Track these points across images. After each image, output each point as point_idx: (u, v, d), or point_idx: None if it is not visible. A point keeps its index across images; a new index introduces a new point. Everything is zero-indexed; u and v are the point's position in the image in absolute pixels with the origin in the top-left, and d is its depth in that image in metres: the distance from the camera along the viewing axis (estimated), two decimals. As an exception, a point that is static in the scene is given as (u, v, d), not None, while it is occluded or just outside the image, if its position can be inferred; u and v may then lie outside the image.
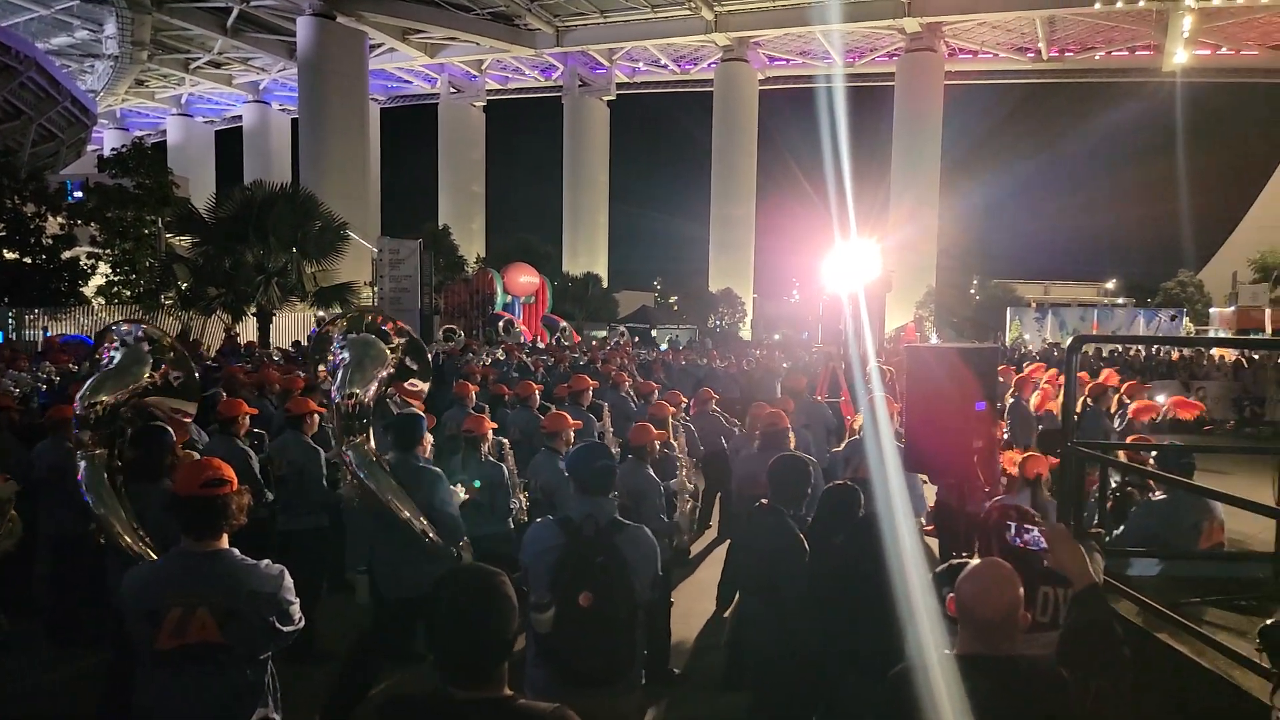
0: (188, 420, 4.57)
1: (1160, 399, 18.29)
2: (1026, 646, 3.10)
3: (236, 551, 2.81)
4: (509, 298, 25.49)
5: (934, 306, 43.37)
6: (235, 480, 2.84)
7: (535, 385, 7.31)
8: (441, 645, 1.85)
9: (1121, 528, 4.55)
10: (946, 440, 4.00)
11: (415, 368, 4.54)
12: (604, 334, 28.68)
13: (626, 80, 60.34)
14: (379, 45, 50.55)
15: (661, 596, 5.26)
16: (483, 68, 59.92)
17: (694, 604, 6.62)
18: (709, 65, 56.42)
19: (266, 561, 2.82)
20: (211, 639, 2.61)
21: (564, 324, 26.40)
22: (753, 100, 55.06)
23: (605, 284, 46.24)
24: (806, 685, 3.58)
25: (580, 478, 3.18)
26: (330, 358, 4.49)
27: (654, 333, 33.02)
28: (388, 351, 4.44)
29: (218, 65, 55.36)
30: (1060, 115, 76.19)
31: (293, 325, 21.44)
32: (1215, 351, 24.29)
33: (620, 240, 63.33)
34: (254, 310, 18.71)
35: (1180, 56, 55.81)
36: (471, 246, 49.20)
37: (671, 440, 5.91)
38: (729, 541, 5.69)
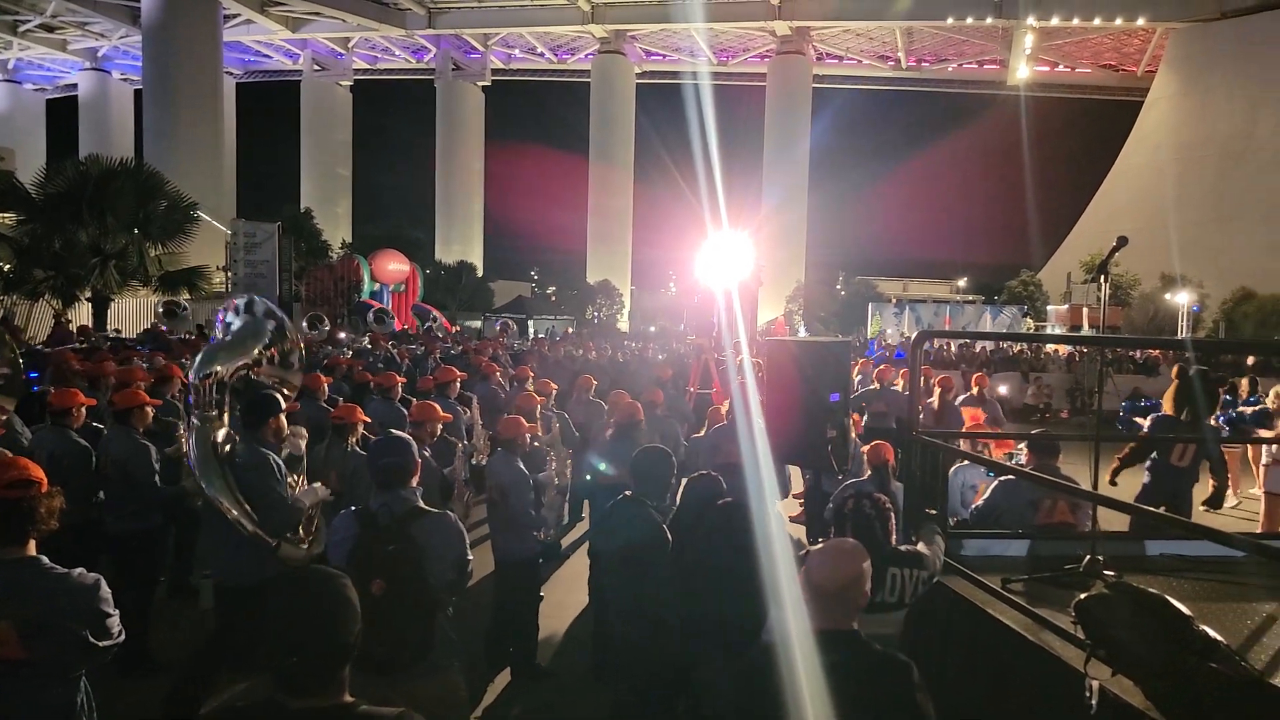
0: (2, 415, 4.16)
1: (1003, 389, 19.72)
2: (875, 627, 3.27)
3: (45, 559, 2.58)
4: (377, 285, 24.57)
5: (803, 301, 45.09)
6: (44, 481, 2.58)
7: (399, 377, 7.05)
8: (275, 652, 1.73)
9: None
10: (803, 428, 4.14)
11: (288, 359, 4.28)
12: (479, 324, 28.14)
13: (502, 66, 59.37)
14: (234, 15, 47.52)
15: (527, 592, 5.19)
16: (350, 46, 57.41)
17: (566, 596, 6.58)
18: (586, 56, 56.38)
19: (80, 570, 2.60)
20: (12, 655, 2.38)
21: (436, 314, 25.68)
22: (629, 93, 55.49)
23: (480, 273, 45.39)
24: (671, 675, 3.61)
25: (372, 473, 3.23)
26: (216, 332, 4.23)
27: (531, 324, 32.69)
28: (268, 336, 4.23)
29: (50, 29, 50.47)
30: (918, 122, 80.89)
31: (135, 311, 19.85)
32: (1053, 345, 26.45)
33: (497, 229, 62.33)
34: (89, 295, 17.18)
35: (1023, 72, 60.55)
36: (337, 232, 47.10)
37: (540, 432, 5.84)
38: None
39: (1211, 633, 2.40)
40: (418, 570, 2.96)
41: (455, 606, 3.23)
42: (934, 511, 3.98)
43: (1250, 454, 9.56)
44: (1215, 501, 6.18)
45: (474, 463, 6.15)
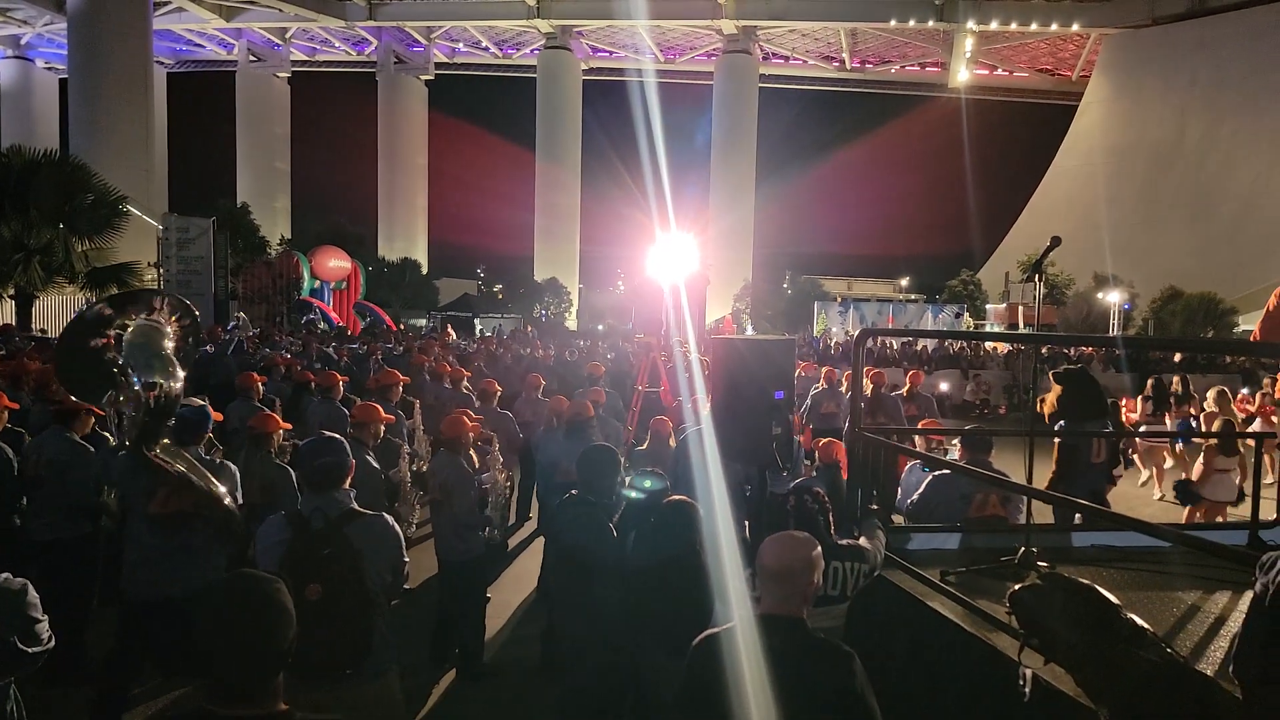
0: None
1: (944, 386, 20.17)
2: (819, 620, 3.31)
3: None
4: (317, 283, 24.02)
5: (750, 300, 45.53)
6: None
7: (340, 376, 6.89)
8: (206, 660, 1.67)
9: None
10: (748, 426, 4.16)
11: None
12: (424, 322, 27.71)
13: (446, 60, 58.57)
14: (165, 3, 46.02)
15: (472, 591, 5.14)
16: (287, 37, 56.02)
17: (513, 596, 6.54)
18: (531, 51, 55.99)
19: (6, 575, 2.51)
20: None
21: (379, 312, 25.24)
22: (576, 89, 55.28)
23: (425, 270, 44.73)
24: (619, 670, 3.60)
25: (303, 475, 3.17)
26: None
27: (477, 322, 32.34)
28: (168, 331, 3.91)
29: (-32, 16, 48.17)
30: (863, 123, 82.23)
31: (61, 309, 19.06)
32: (991, 343, 27.18)
33: (442, 226, 61.45)
34: (11, 292, 16.44)
35: (963, 75, 62.22)
36: (275, 228, 45.99)
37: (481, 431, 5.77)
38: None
39: (1138, 620, 2.48)
40: (354, 573, 2.91)
41: (398, 609, 3.18)
42: (876, 506, 4.06)
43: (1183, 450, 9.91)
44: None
45: (415, 469, 6.03)
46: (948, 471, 4.79)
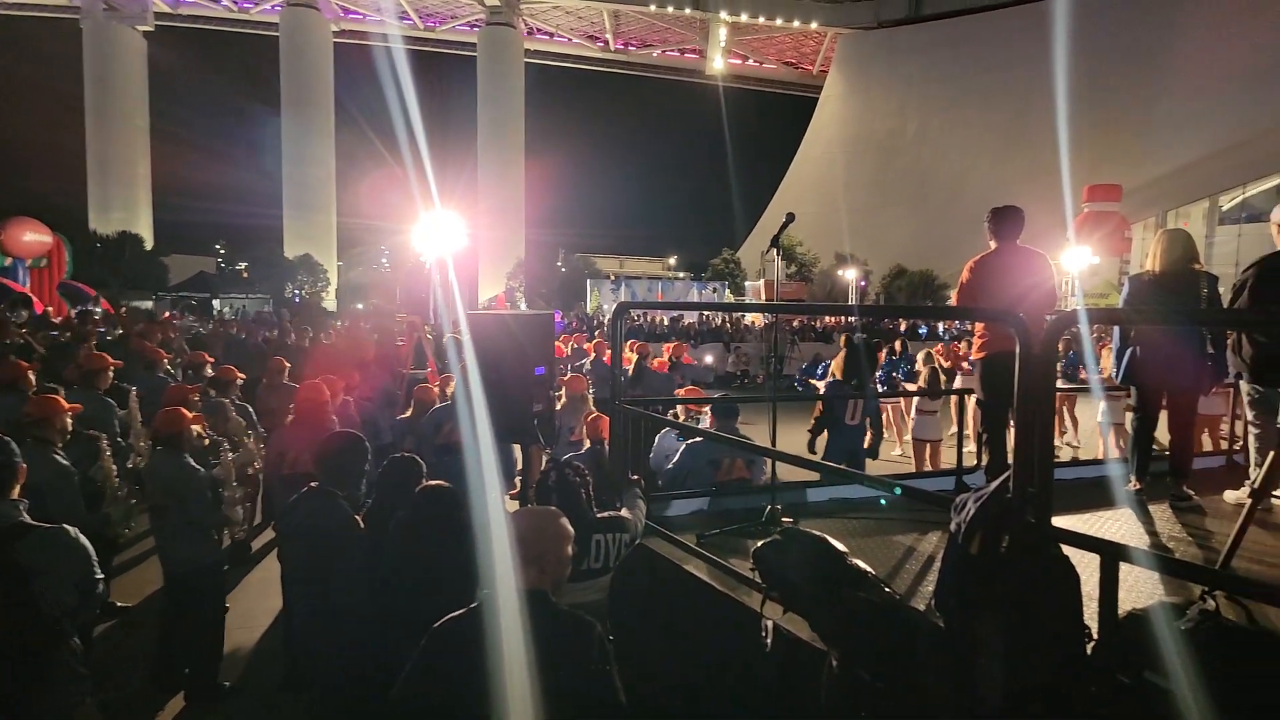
0: None
1: (709, 359, 21.28)
2: (584, 593, 3.30)
3: None
4: (9, 261, 20.47)
5: (524, 278, 45.25)
6: None
7: (27, 364, 5.85)
8: None
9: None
10: (510, 403, 4.05)
11: None
12: (150, 304, 24.59)
13: (169, 11, 51.93)
14: None
15: (207, 602, 4.60)
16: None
17: (259, 603, 5.96)
18: (274, 7, 51.23)
19: None
20: None
21: (90, 293, 21.97)
22: (326, 52, 51.36)
23: (150, 245, 39.56)
24: (369, 673, 3.36)
25: None
26: None
27: (217, 303, 29.27)
28: None
29: None
30: (631, 105, 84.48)
31: None
32: (750, 317, 29.08)
33: (171, 195, 54.50)
34: None
35: (718, 63, 65.75)
36: (-44, 195, 38.54)
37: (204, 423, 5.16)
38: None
39: (862, 565, 2.69)
40: (20, 597, 2.50)
41: (109, 632, 2.74)
42: (636, 476, 4.12)
43: (903, 406, 11.22)
44: (873, 452, 7.17)
45: (130, 465, 5.28)
46: (700, 440, 4.99)
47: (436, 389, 6.68)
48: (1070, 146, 35.77)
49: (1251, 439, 4.50)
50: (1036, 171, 42.63)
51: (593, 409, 6.35)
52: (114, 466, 4.70)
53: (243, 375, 7.03)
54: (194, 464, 4.42)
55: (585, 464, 4.47)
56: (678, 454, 5.04)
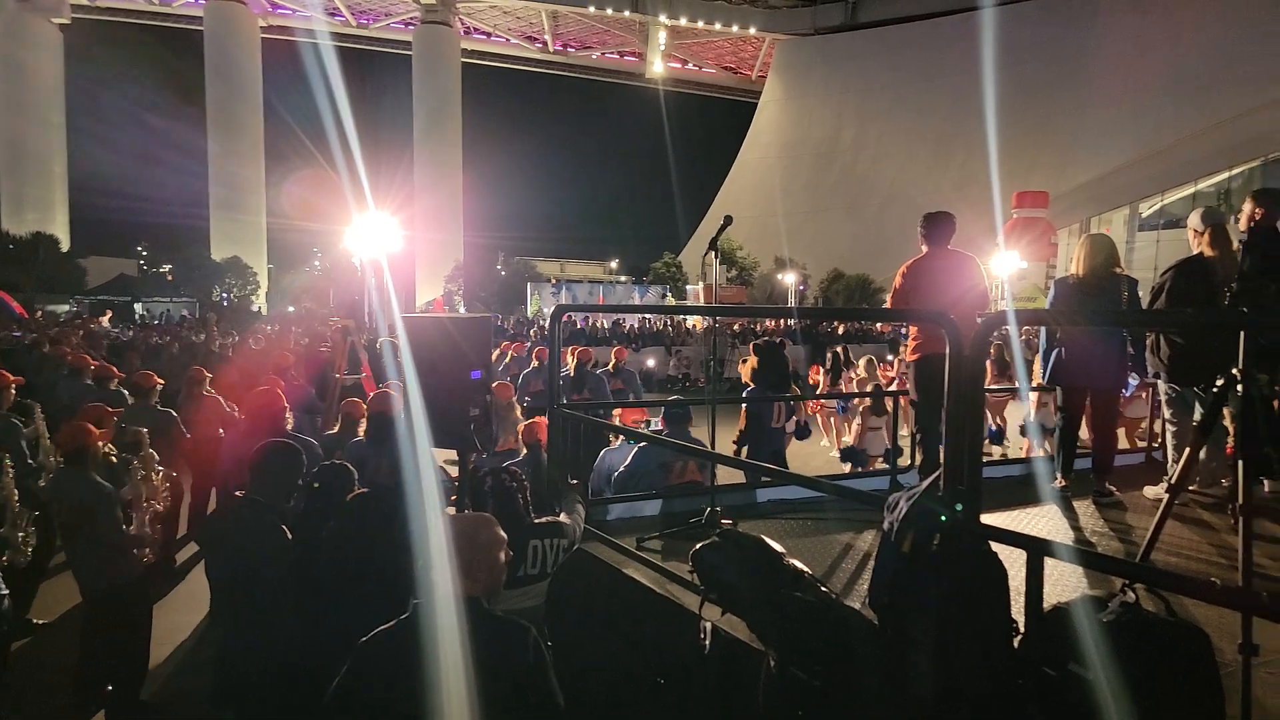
0: None
1: (650, 362, 21.30)
2: (521, 600, 3.25)
3: None
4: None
5: (463, 282, 44.72)
6: None
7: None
8: None
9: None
10: (445, 409, 3.97)
11: None
12: (66, 308, 23.47)
13: (86, 3, 49.80)
14: None
15: (129, 620, 4.39)
16: None
17: (183, 618, 5.73)
18: (197, 1, 49.61)
19: None
20: None
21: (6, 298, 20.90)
22: (253, 47, 49.92)
23: (66, 246, 37.79)
24: (297, 692, 3.24)
25: None
26: None
27: (139, 306, 28.11)
28: None
29: None
30: (571, 107, 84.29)
31: None
32: (692, 321, 29.22)
33: (90, 194, 52.14)
34: None
35: (658, 66, 66.08)
36: None
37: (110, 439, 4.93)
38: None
39: (799, 565, 2.71)
40: None
41: (24, 651, 2.59)
42: (575, 480, 4.08)
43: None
44: (803, 432, 7.33)
45: (41, 483, 5.00)
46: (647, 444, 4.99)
47: (365, 404, 6.50)
48: (1000, 154, 36.99)
49: (1169, 436, 4.71)
50: (969, 178, 44.06)
51: (519, 415, 6.28)
52: (14, 489, 4.44)
53: (162, 380, 6.73)
54: (100, 481, 4.21)
55: (524, 469, 4.43)
56: (630, 456, 5.03)
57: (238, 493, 3.35)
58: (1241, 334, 2.03)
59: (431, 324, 4.13)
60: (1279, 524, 3.85)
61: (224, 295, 37.37)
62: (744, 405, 6.96)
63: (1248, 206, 4.58)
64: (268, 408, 4.85)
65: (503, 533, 2.45)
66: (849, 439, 10.04)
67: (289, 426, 4.96)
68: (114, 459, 4.51)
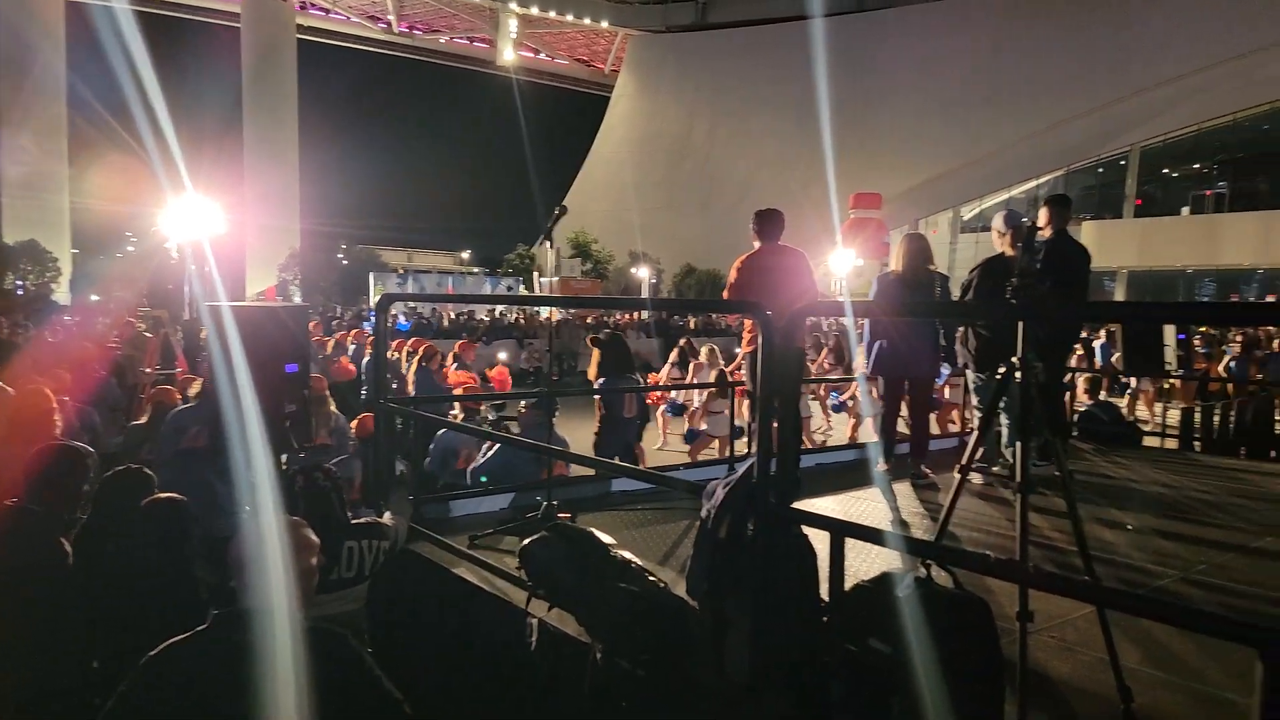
0: None
1: (502, 355, 21.04)
2: (336, 604, 3.07)
3: None
4: None
5: (300, 270, 42.29)
6: None
7: None
8: None
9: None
10: (258, 405, 3.69)
11: None
12: None
13: None
14: None
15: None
16: None
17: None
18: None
19: None
20: None
21: None
22: (52, 9, 44.51)
23: None
24: (79, 709, 2.92)
25: None
26: None
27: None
28: None
29: None
30: (418, 93, 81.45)
31: None
32: (546, 313, 28.96)
33: None
34: None
35: (509, 54, 64.99)
36: None
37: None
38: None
39: (627, 555, 2.71)
40: None
41: None
42: (403, 470, 3.93)
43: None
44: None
45: None
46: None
47: (178, 392, 5.99)
48: (837, 157, 39.00)
49: (976, 422, 5.12)
50: (814, 178, 46.15)
51: (334, 410, 5.98)
52: None
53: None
54: None
55: (353, 465, 4.20)
56: (494, 449, 4.91)
57: (9, 502, 2.96)
58: (1020, 326, 2.20)
59: (241, 314, 3.82)
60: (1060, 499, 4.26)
61: (18, 283, 33.48)
62: (597, 399, 6.95)
63: (1044, 211, 5.19)
64: (32, 409, 4.34)
65: (313, 536, 2.29)
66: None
67: (58, 430, 4.45)
68: None
